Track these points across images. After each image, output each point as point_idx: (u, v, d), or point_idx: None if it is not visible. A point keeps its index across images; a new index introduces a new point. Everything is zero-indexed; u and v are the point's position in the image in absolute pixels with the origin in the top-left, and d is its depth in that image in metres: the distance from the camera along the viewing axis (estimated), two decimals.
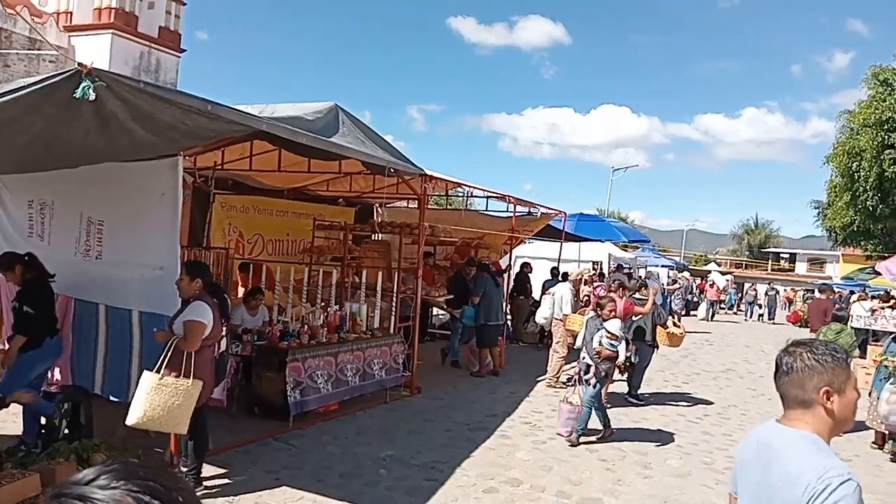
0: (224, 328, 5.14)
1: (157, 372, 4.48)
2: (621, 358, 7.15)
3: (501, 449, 6.54)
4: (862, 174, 20.52)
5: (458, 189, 11.97)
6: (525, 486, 5.56)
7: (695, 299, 29.91)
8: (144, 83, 3.88)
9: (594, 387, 6.93)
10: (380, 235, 11.15)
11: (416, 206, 10.37)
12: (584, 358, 7.16)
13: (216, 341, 4.99)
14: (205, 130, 4.70)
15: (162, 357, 4.53)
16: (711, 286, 27.69)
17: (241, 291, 8.48)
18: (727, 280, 33.71)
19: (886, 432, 7.43)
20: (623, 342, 7.11)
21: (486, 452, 6.41)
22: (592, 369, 6.94)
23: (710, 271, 35.98)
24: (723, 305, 31.27)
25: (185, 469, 4.88)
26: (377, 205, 13.15)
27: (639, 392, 9.25)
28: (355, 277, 8.98)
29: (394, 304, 8.61)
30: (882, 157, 19.40)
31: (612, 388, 8.95)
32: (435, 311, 13.90)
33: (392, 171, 7.28)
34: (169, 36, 21.10)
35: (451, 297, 10.91)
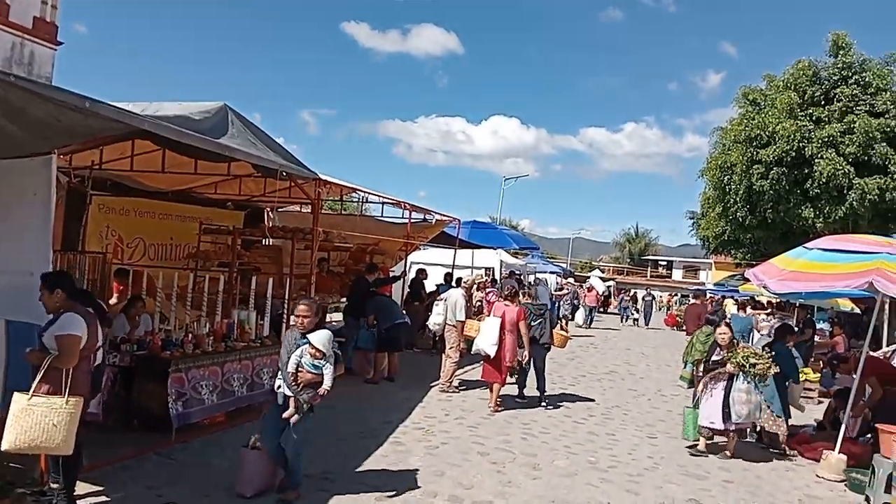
0: (100, 338, 4.83)
1: (31, 391, 4.16)
2: (327, 385, 4.97)
3: (394, 455, 6.52)
4: (733, 187, 21.98)
5: (353, 194, 11.88)
6: (418, 493, 5.57)
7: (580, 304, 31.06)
8: (16, 77, 3.66)
9: (300, 425, 4.98)
10: (271, 241, 10.87)
11: (309, 210, 10.20)
12: (279, 387, 5.07)
13: (93, 352, 4.68)
14: (81, 128, 4.43)
15: (36, 374, 4.20)
16: (590, 290, 27.92)
17: (115, 300, 7.97)
18: (607, 286, 34.37)
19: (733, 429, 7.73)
20: (332, 362, 5.03)
21: (380, 460, 6.37)
22: (291, 402, 4.94)
23: (588, 276, 36.39)
24: (603, 310, 32.16)
25: (55, 487, 4.55)
26: (268, 209, 12.83)
27: (527, 393, 9.58)
28: (244, 284, 8.71)
29: (285, 310, 8.41)
30: (751, 171, 20.85)
31: (504, 390, 9.16)
32: (328, 317, 13.71)
33: (284, 174, 7.12)
34: (44, 27, 19.73)
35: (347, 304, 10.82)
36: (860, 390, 7.79)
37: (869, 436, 7.64)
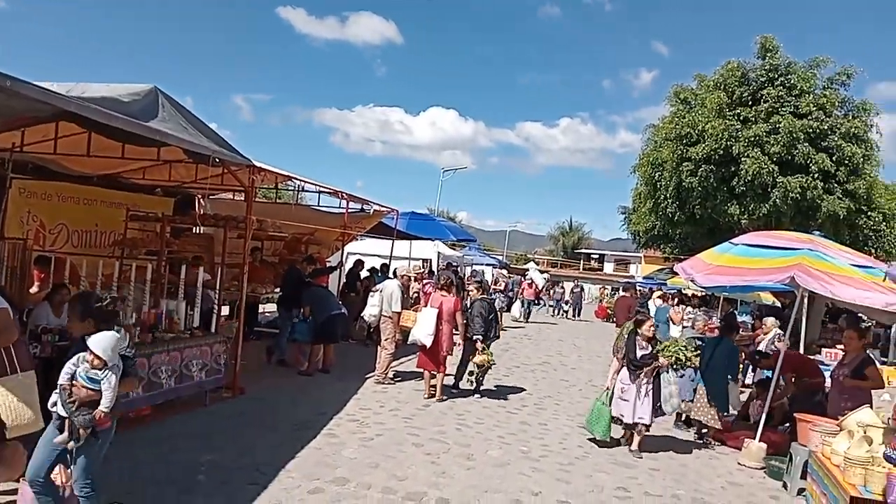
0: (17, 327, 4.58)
1: None
2: (104, 405, 3.79)
3: (328, 448, 6.46)
4: (663, 184, 22.60)
5: (289, 182, 11.67)
6: (351, 485, 5.53)
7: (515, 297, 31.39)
8: None
9: (83, 457, 3.86)
10: (202, 229, 10.57)
11: (242, 198, 9.96)
12: (53, 404, 3.88)
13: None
14: (3, 108, 4.20)
15: None
16: (530, 285, 26.57)
17: (35, 288, 7.60)
18: (546, 279, 33.96)
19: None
20: (115, 374, 3.84)
21: (313, 452, 6.30)
22: (66, 426, 3.81)
23: (527, 269, 35.82)
24: (542, 303, 31.56)
25: None
26: (199, 196, 12.47)
27: (459, 383, 9.71)
28: (173, 273, 8.45)
29: (216, 301, 8.20)
30: (681, 168, 21.48)
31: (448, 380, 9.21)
32: (262, 307, 13.46)
33: (217, 160, 6.93)
34: None
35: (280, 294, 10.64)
36: (778, 384, 8.12)
37: (787, 424, 8.00)
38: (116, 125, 5.04)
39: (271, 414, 7.53)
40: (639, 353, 7.41)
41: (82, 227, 10.30)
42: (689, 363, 7.53)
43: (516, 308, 24.82)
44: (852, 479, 5.11)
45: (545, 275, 35.55)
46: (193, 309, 7.80)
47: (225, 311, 9.38)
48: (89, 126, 6.05)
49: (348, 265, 14.27)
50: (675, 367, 7.52)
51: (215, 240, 10.71)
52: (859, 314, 11.97)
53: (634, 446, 7.39)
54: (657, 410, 7.49)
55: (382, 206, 13.92)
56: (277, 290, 11.44)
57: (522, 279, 32.94)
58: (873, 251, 19.88)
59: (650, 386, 7.41)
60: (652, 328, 7.59)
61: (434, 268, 19.25)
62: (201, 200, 12.62)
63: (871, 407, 6.34)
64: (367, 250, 16.92)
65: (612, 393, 7.58)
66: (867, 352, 7.59)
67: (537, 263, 51.02)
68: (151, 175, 10.67)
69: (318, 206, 13.80)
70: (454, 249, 26.07)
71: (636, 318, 7.82)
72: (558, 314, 31.23)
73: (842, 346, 8.80)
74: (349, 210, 13.06)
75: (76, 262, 8.37)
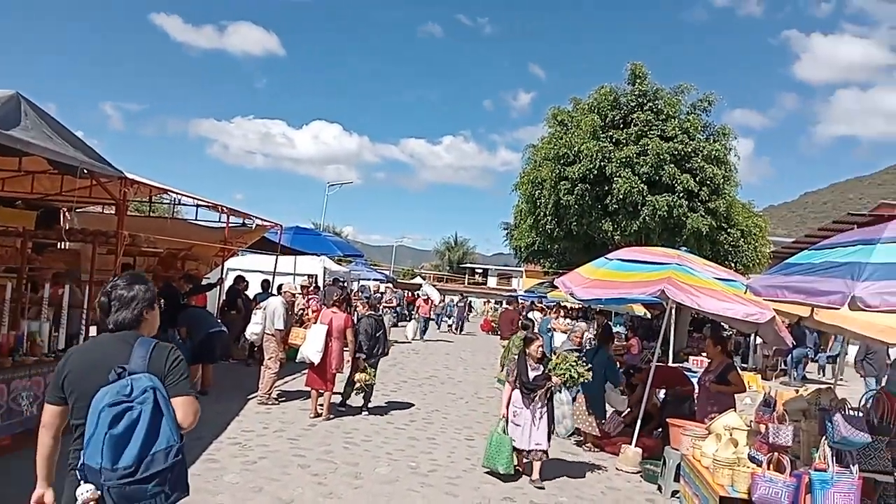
0: None
1: None
2: None
3: (208, 473, 6.18)
4: (542, 201, 23.35)
5: (164, 195, 11.12)
6: None
7: (404, 311, 31.40)
8: None
9: None
10: (68, 244, 9.86)
11: (113, 212, 9.40)
12: None
13: None
14: None
15: None
16: (426, 301, 25.65)
17: None
18: (442, 297, 32.72)
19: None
20: None
21: (191, 479, 5.98)
22: None
23: (420, 285, 34.96)
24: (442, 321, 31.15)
25: None
26: (65, 209, 11.65)
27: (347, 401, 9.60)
28: (35, 292, 7.83)
29: (84, 321, 7.66)
30: (559, 187, 22.29)
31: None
32: None
33: (85, 171, 6.52)
34: None
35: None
36: (650, 396, 8.55)
37: (660, 430, 8.46)
38: None
39: None
40: (531, 375, 7.01)
41: None
42: (581, 379, 7.15)
43: (410, 328, 23.22)
44: (721, 480, 5.46)
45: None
46: (59, 330, 7.26)
47: (93, 332, 8.78)
48: None
49: (228, 282, 13.76)
50: (567, 385, 7.20)
51: (83, 256, 10.01)
52: (722, 324, 12.87)
53: (535, 475, 6.86)
54: (550, 435, 7.10)
55: (265, 221, 13.53)
56: None
57: (411, 294, 32.98)
58: (733, 265, 21.41)
59: (545, 409, 7.00)
60: (540, 348, 7.18)
61: (320, 283, 18.95)
62: (67, 214, 11.80)
63: (735, 410, 6.84)
64: (250, 266, 16.41)
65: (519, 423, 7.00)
66: (731, 359, 8.18)
67: (424, 278, 51.44)
68: (12, 187, 9.88)
69: (196, 220, 13.22)
70: (341, 265, 25.79)
71: (525, 337, 7.54)
72: (441, 328, 31.45)
73: (705, 354, 9.44)
74: (230, 224, 12.62)
75: None
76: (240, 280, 13.84)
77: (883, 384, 5.15)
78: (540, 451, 6.89)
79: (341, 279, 21.81)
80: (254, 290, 14.28)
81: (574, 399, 8.58)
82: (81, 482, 2.58)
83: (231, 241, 12.93)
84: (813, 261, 4.84)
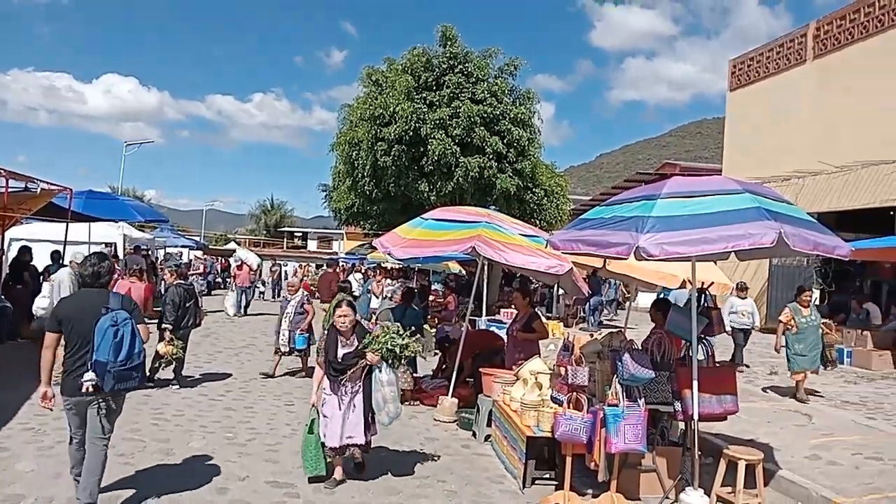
0: None
1: None
2: None
3: None
4: (360, 162, 23.31)
5: None
6: (29, 500, 4.89)
7: (217, 279, 30.03)
8: None
9: None
10: None
11: None
12: None
13: None
14: None
15: None
16: (239, 268, 21.10)
17: None
18: (261, 262, 27.70)
19: None
20: None
21: None
22: None
23: (234, 251, 28.85)
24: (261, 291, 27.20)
25: None
26: None
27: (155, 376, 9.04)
28: None
29: None
30: (376, 148, 22.34)
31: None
32: None
33: None
34: None
35: None
36: (462, 362, 8.86)
37: (473, 379, 8.93)
38: None
39: None
40: (340, 353, 5.60)
41: None
42: (406, 352, 5.77)
43: (229, 301, 20.09)
44: (528, 421, 5.91)
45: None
46: None
47: None
48: None
49: (12, 253, 12.34)
50: (389, 362, 5.64)
51: None
52: (530, 278, 13.76)
53: (340, 475, 5.62)
54: (371, 425, 5.70)
55: (53, 185, 12.18)
56: None
57: (225, 261, 31.29)
58: (538, 222, 22.87)
59: (359, 393, 5.60)
60: (347, 318, 5.71)
61: (120, 252, 17.58)
62: None
63: (540, 356, 7.38)
64: (36, 235, 14.82)
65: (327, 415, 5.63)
66: (535, 309, 8.79)
67: (238, 243, 49.40)
68: None
69: None
70: (143, 231, 24.07)
71: (335, 304, 6.59)
72: (252, 296, 27.39)
73: (513, 307, 10.05)
74: (10, 189, 11.24)
75: None
76: (25, 251, 12.47)
77: (665, 326, 5.79)
78: (353, 445, 5.57)
79: (144, 247, 20.38)
80: (45, 261, 12.97)
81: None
82: (88, 371, 4.42)
83: (12, 207, 11.55)
84: (604, 216, 5.30)
